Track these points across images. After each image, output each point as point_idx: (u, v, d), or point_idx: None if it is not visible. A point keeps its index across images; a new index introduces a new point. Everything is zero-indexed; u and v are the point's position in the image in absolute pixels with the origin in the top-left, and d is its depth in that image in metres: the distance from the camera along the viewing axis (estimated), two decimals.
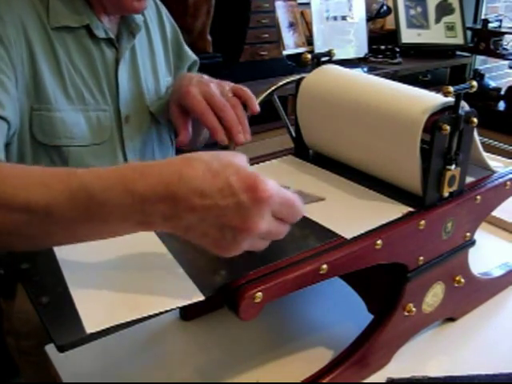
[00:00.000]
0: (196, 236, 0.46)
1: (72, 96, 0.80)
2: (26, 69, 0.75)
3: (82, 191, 0.45)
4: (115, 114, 0.85)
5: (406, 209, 0.62)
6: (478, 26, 2.63)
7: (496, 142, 2.34)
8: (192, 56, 1.04)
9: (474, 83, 0.60)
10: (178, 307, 0.46)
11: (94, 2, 0.81)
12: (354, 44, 2.37)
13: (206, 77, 0.83)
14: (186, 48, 1.03)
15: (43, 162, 0.80)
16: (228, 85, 0.80)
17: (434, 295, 0.66)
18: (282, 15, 2.24)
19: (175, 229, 0.46)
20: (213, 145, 0.82)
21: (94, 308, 0.45)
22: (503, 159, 0.79)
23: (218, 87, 0.78)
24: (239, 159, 0.47)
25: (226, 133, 0.74)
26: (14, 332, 0.93)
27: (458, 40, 2.55)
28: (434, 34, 2.56)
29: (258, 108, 0.79)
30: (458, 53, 2.62)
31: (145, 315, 0.45)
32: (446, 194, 0.63)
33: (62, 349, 0.42)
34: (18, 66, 0.74)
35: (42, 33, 0.77)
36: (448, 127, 0.58)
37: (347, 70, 0.74)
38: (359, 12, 2.40)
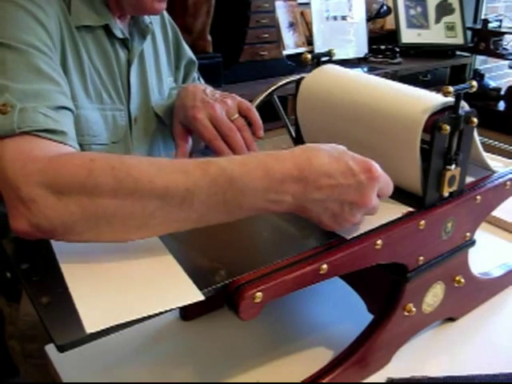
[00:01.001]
0: (317, 212, 0.53)
1: (91, 94, 0.80)
2: (58, 63, 0.74)
3: (222, 176, 0.49)
4: (127, 114, 0.86)
5: (406, 209, 0.62)
6: (478, 26, 2.63)
7: (496, 142, 2.34)
8: (189, 55, 1.04)
9: (474, 83, 0.60)
10: (178, 307, 0.46)
11: (111, 2, 0.81)
12: (354, 44, 2.37)
13: (208, 91, 0.82)
14: (185, 47, 1.03)
15: None
16: (233, 101, 0.80)
17: (434, 295, 0.66)
18: (282, 15, 2.24)
19: (300, 207, 0.52)
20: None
21: (94, 308, 0.45)
22: (503, 159, 0.79)
23: (223, 107, 0.78)
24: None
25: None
26: (19, 335, 0.93)
27: (458, 40, 2.55)
28: (434, 34, 2.56)
29: (262, 133, 0.79)
30: (458, 53, 2.62)
31: (145, 315, 0.45)
32: (446, 194, 0.63)
33: (62, 349, 0.42)
34: (57, 59, 0.74)
35: (69, 31, 0.77)
36: (448, 127, 0.58)
37: (347, 69, 0.74)
38: (359, 12, 2.40)
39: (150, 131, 0.91)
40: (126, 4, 0.81)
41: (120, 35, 0.83)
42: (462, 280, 0.68)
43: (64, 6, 0.77)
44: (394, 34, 2.54)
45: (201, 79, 1.08)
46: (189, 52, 1.04)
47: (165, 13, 0.99)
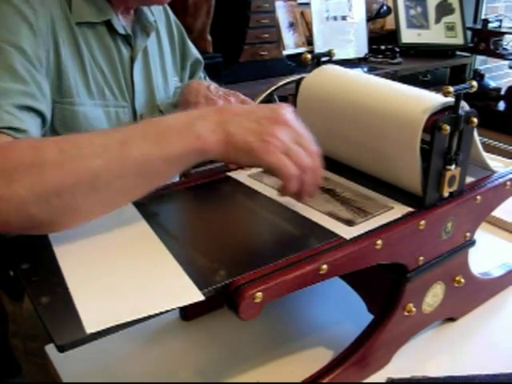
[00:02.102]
0: (240, 134, 0.55)
1: (93, 91, 0.80)
2: (51, 62, 0.75)
3: (150, 122, 0.55)
4: (132, 111, 0.86)
5: (406, 209, 0.62)
6: (478, 26, 2.63)
7: (496, 142, 2.34)
8: (195, 54, 1.04)
9: (474, 83, 0.60)
10: (178, 307, 0.46)
11: None
12: (354, 44, 2.37)
13: (212, 87, 0.82)
14: (191, 46, 1.03)
15: None
16: (236, 98, 0.80)
17: (434, 295, 0.66)
18: (282, 15, 2.24)
19: (225, 135, 0.54)
20: None
21: (94, 308, 0.45)
22: (503, 159, 0.79)
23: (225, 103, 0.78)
24: None
25: None
26: (22, 334, 0.93)
27: (458, 40, 2.55)
28: (434, 34, 2.56)
29: None
30: (458, 53, 2.62)
31: (145, 315, 0.45)
32: (446, 194, 0.63)
33: (62, 349, 0.42)
34: (44, 58, 0.74)
35: (68, 28, 0.77)
36: (448, 127, 0.58)
37: (347, 70, 0.74)
38: (359, 12, 2.40)
39: None
40: None
41: (122, 31, 0.83)
42: (462, 280, 0.68)
43: (64, 3, 0.77)
44: (394, 33, 2.54)
45: (207, 78, 1.08)
46: (195, 51, 1.04)
47: (170, 12, 0.99)
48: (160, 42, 0.94)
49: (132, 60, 0.86)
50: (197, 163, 0.55)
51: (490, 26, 2.54)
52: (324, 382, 0.58)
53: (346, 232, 0.57)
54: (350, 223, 0.59)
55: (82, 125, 0.79)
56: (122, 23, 0.83)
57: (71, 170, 0.50)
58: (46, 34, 0.73)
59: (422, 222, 0.60)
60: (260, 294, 0.48)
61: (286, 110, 0.58)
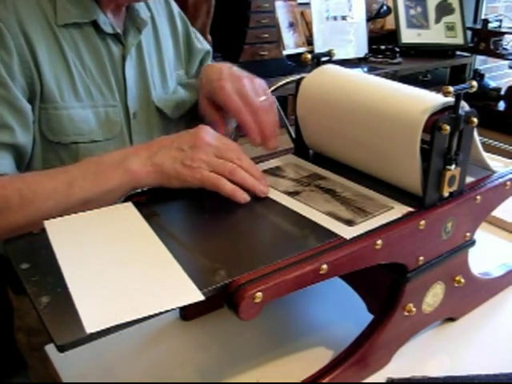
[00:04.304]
0: (169, 164, 0.64)
1: (80, 93, 0.80)
2: (31, 71, 0.75)
3: (90, 161, 0.68)
4: (124, 109, 0.86)
5: (406, 209, 0.62)
6: (478, 26, 2.63)
7: (496, 142, 2.34)
8: (203, 49, 1.03)
9: (474, 83, 0.60)
10: (178, 307, 0.46)
11: None
12: (354, 44, 2.37)
13: (235, 68, 0.81)
14: (198, 38, 1.02)
15: (53, 161, 0.80)
16: (260, 84, 0.79)
17: (434, 295, 0.66)
18: (282, 15, 2.24)
19: (155, 166, 0.65)
20: None
21: (94, 308, 0.45)
22: (503, 159, 0.79)
23: (251, 85, 0.78)
24: None
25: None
26: (26, 328, 0.93)
27: (458, 40, 2.55)
28: (434, 34, 2.56)
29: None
30: (458, 53, 2.62)
31: (145, 315, 0.45)
32: (446, 194, 0.63)
33: (61, 349, 0.42)
34: (18, 71, 0.74)
35: (48, 32, 0.77)
36: (448, 127, 0.58)
37: (347, 70, 0.74)
38: (359, 12, 2.40)
39: (152, 125, 0.91)
40: None
41: (110, 31, 0.82)
42: (462, 280, 0.68)
43: (48, 6, 0.77)
44: (394, 34, 2.54)
45: None
46: (203, 43, 1.03)
47: (174, 5, 0.98)
48: (157, 36, 0.93)
49: (124, 57, 0.85)
50: (134, 191, 0.66)
51: (490, 26, 2.54)
52: (324, 382, 0.58)
53: (346, 232, 0.57)
54: (350, 223, 0.59)
55: (68, 128, 0.79)
56: (111, 22, 0.83)
57: (29, 212, 0.64)
58: (18, 45, 0.73)
59: (422, 222, 0.60)
60: (260, 293, 0.48)
61: (204, 132, 0.67)
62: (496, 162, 0.75)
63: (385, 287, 0.64)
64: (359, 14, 2.39)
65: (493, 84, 2.64)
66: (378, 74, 2.11)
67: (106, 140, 0.84)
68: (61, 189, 0.65)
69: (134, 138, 0.87)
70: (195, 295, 0.47)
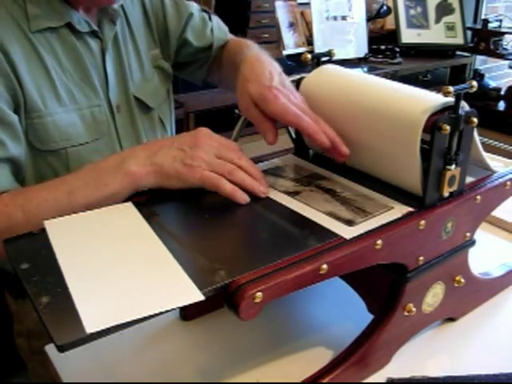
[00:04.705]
0: (169, 163, 0.64)
1: (63, 97, 0.80)
2: (12, 83, 0.74)
3: (89, 168, 0.68)
4: (108, 105, 0.86)
5: (406, 209, 0.62)
6: (478, 26, 2.63)
7: (496, 142, 2.34)
8: (186, 11, 0.98)
9: (474, 83, 0.60)
10: (178, 307, 0.46)
11: None
12: (354, 44, 2.37)
13: (283, 74, 0.75)
14: (173, 10, 0.97)
15: (44, 169, 0.80)
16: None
17: (434, 295, 0.66)
18: (282, 15, 2.24)
19: (154, 166, 0.64)
20: None
21: (94, 308, 0.45)
22: (503, 159, 0.79)
23: (297, 94, 0.71)
24: None
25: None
26: (26, 332, 0.93)
27: (458, 40, 2.55)
28: (434, 34, 2.55)
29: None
30: (458, 53, 2.62)
31: (145, 315, 0.45)
32: (446, 194, 0.63)
33: (62, 349, 0.42)
34: (1, 85, 0.73)
35: (23, 41, 0.76)
36: (448, 127, 0.58)
37: (347, 69, 0.74)
38: (359, 12, 2.40)
39: (134, 117, 0.91)
40: None
41: (86, 29, 0.82)
42: (462, 280, 0.68)
43: (19, 14, 0.76)
44: (394, 34, 2.54)
45: (213, 18, 1.04)
46: (186, 6, 0.99)
47: None
48: (129, 23, 0.91)
49: (103, 52, 0.85)
50: (135, 192, 0.66)
51: (490, 26, 2.54)
52: (324, 382, 0.58)
53: (346, 232, 0.57)
54: (350, 223, 0.59)
55: (55, 135, 0.79)
56: (85, 19, 0.82)
57: (34, 225, 0.60)
58: None
59: (422, 222, 0.60)
60: (260, 293, 0.48)
61: (203, 133, 0.67)
62: (496, 162, 0.75)
63: (385, 287, 0.64)
64: (359, 14, 2.39)
65: (493, 84, 2.64)
66: (377, 74, 2.11)
67: (95, 140, 0.84)
68: (62, 199, 0.65)
69: (120, 132, 0.87)
70: (195, 295, 0.47)
